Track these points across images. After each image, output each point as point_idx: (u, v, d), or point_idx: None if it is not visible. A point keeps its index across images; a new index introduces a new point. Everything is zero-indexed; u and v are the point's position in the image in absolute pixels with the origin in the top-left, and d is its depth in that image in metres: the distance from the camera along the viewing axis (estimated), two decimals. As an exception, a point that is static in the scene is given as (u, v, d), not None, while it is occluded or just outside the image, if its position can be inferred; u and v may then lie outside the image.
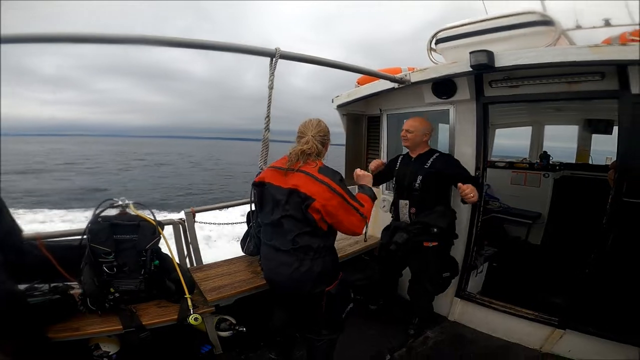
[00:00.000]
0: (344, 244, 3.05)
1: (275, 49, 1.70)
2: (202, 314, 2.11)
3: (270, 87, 1.74)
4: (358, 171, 1.92)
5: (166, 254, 2.31)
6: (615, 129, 3.85)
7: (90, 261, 2.02)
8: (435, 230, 2.24)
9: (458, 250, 2.58)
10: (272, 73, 1.72)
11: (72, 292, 2.03)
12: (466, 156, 2.41)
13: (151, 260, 2.16)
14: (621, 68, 1.72)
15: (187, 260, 2.70)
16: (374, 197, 1.80)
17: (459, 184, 2.04)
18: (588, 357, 2.12)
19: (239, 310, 2.47)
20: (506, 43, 1.99)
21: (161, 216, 2.54)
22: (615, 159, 2.83)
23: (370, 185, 1.86)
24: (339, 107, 3.05)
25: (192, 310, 2.07)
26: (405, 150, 2.56)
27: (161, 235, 2.24)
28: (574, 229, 3.40)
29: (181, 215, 2.74)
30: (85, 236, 2.05)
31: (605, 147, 3.99)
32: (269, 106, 1.76)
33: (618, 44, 1.66)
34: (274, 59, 1.71)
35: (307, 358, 1.95)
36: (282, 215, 1.65)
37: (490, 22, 2.06)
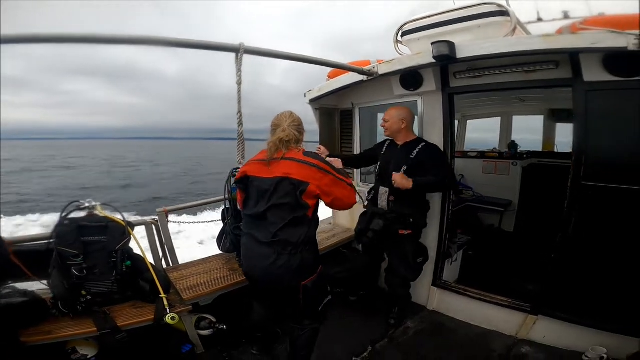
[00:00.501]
0: (322, 237, 3.09)
1: (239, 44, 1.70)
2: (179, 313, 2.09)
3: (238, 83, 1.73)
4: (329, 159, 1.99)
5: (138, 255, 2.28)
6: None
7: (58, 264, 1.97)
8: (411, 220, 2.32)
9: (431, 239, 2.66)
10: (239, 69, 1.72)
11: (44, 296, 1.99)
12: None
13: (122, 261, 2.13)
14: (574, 56, 1.82)
15: (163, 260, 2.67)
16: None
17: (394, 174, 2.22)
18: (562, 343, 2.21)
19: (218, 308, 2.48)
20: (467, 34, 2.08)
21: (133, 218, 2.51)
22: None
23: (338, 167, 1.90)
24: (312, 101, 3.07)
25: (168, 310, 2.06)
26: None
27: (131, 236, 2.22)
28: (542, 215, 3.58)
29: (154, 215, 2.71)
30: (51, 240, 2.01)
31: (569, 136, 4.20)
32: (239, 102, 1.76)
33: (569, 33, 1.75)
34: (238, 54, 1.70)
35: (289, 347, 1.99)
36: (267, 207, 1.67)
37: (452, 14, 2.14)
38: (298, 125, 1.79)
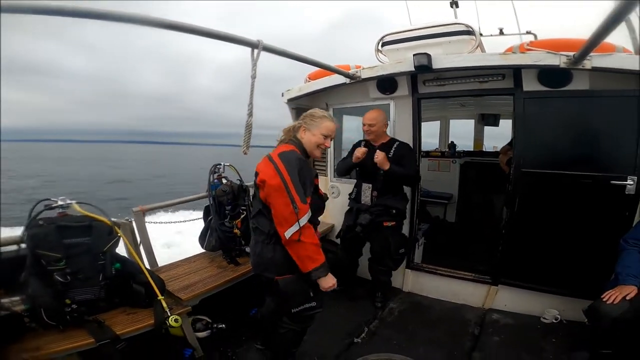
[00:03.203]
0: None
1: (258, 40, 1.80)
2: (180, 314, 2.04)
3: (253, 77, 1.82)
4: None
5: (125, 257, 2.18)
6: (502, 122, 5.16)
7: (37, 271, 1.78)
8: (394, 211, 2.69)
9: (404, 227, 3.05)
10: (255, 64, 1.81)
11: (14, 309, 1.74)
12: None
13: (111, 263, 2.00)
14: (517, 71, 2.44)
15: (147, 262, 2.54)
16: (325, 268, 1.77)
17: (377, 152, 2.53)
18: (522, 309, 2.68)
19: (209, 308, 2.44)
20: (438, 48, 2.56)
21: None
22: (502, 146, 3.81)
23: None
24: (289, 101, 3.28)
25: (169, 312, 2.00)
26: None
27: (120, 236, 2.10)
28: (477, 205, 4.42)
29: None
30: (23, 244, 1.81)
31: (493, 138, 5.30)
32: (251, 94, 1.84)
33: (519, 52, 2.36)
34: (256, 50, 1.81)
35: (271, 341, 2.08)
36: (252, 196, 1.87)
37: (427, 30, 2.60)
38: (300, 119, 1.92)
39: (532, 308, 2.67)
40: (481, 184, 4.43)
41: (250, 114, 1.91)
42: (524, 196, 2.58)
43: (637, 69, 2.03)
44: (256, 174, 1.78)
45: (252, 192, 2.32)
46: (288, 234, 1.63)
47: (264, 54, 1.85)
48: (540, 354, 2.25)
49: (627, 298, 1.86)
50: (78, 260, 1.91)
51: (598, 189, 2.27)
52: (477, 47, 2.51)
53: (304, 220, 1.63)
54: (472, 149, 5.39)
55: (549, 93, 2.37)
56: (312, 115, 1.89)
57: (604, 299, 1.91)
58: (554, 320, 2.57)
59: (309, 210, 1.68)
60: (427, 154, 5.12)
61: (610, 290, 1.93)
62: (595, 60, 2.08)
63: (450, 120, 5.75)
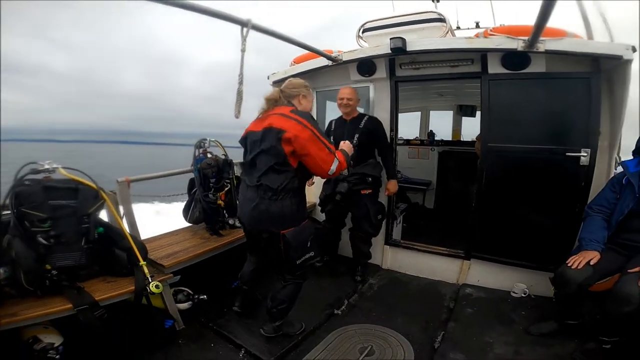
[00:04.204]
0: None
1: (248, 19, 1.92)
2: (161, 281, 2.10)
3: (243, 50, 1.95)
4: (342, 142, 2.25)
5: (108, 222, 2.21)
6: (479, 113, 5.45)
7: (20, 232, 1.81)
8: (370, 179, 2.88)
9: (383, 201, 3.24)
10: (245, 40, 1.93)
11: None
12: (384, 122, 3.11)
13: (94, 227, 2.05)
14: (484, 55, 2.66)
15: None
16: (348, 159, 2.12)
17: (387, 187, 3.00)
18: (493, 283, 2.87)
19: (190, 280, 2.51)
20: (413, 34, 2.78)
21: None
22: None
23: (350, 153, 2.17)
24: (275, 83, 3.44)
25: (150, 279, 2.03)
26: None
27: (104, 200, 2.15)
28: (454, 192, 4.67)
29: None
30: (7, 203, 1.79)
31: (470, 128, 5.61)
32: (241, 66, 1.95)
33: (483, 37, 2.59)
34: (245, 29, 1.92)
35: (269, 301, 2.15)
36: (256, 153, 1.95)
37: (403, 17, 2.83)
38: (292, 89, 2.08)
39: (502, 283, 2.88)
40: (458, 172, 4.69)
41: (240, 82, 2.02)
42: (490, 170, 2.79)
43: (585, 52, 2.28)
44: (276, 130, 1.85)
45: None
46: (332, 170, 1.94)
47: (255, 54, 1.99)
48: (511, 324, 2.41)
49: (591, 263, 1.94)
50: (63, 223, 1.95)
51: (556, 161, 2.49)
52: (448, 32, 2.74)
53: (342, 160, 2.00)
54: (450, 139, 5.68)
55: (511, 75, 2.60)
56: (303, 85, 2.13)
57: (569, 264, 1.98)
58: (523, 295, 2.76)
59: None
60: (408, 142, 5.37)
61: (575, 256, 2.01)
62: (548, 44, 2.31)
63: (431, 112, 6.03)
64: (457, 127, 5.74)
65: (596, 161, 2.40)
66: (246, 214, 2.03)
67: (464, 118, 5.67)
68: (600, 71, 2.41)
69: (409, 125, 6.01)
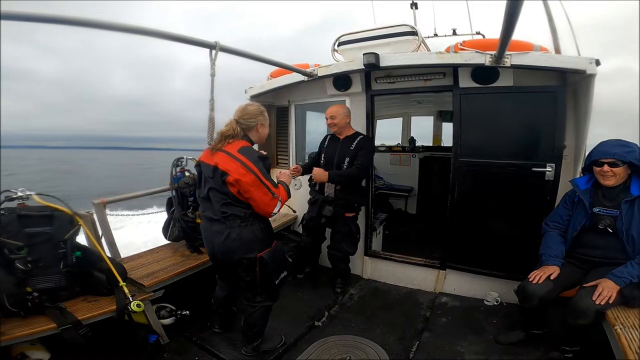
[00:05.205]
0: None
1: (215, 42, 1.99)
2: (143, 300, 2.16)
3: (212, 75, 2.02)
4: (278, 172, 2.29)
5: (85, 245, 2.28)
6: None
7: (1, 258, 1.88)
8: (356, 205, 2.98)
9: (361, 215, 3.29)
10: (214, 63, 2.01)
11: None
12: None
13: (72, 251, 2.11)
14: (455, 69, 2.77)
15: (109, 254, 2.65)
16: (288, 191, 2.16)
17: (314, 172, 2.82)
18: (468, 292, 2.99)
19: (173, 296, 2.58)
20: (387, 48, 2.85)
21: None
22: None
23: (288, 184, 2.21)
24: (252, 97, 3.50)
25: (130, 298, 2.10)
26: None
27: (80, 225, 2.21)
28: (435, 197, 4.78)
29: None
30: None
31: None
32: (212, 91, 2.03)
33: (454, 52, 2.68)
34: (214, 51, 1.99)
35: (242, 324, 2.24)
36: (209, 188, 1.99)
37: (377, 31, 2.89)
38: (248, 119, 2.05)
39: (476, 291, 2.99)
40: (439, 177, 4.82)
41: (212, 109, 2.10)
42: (462, 184, 2.89)
43: (549, 66, 2.38)
44: (220, 172, 1.90)
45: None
46: (274, 212, 1.98)
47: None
48: (481, 334, 2.50)
49: (551, 278, 2.04)
50: (39, 249, 2.01)
51: (523, 176, 2.60)
52: (420, 45, 2.82)
53: (283, 198, 2.04)
54: (431, 144, 5.81)
55: (480, 89, 2.72)
56: (260, 112, 2.12)
57: (530, 279, 2.08)
58: (495, 303, 2.87)
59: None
60: (390, 148, 5.48)
61: (536, 271, 2.11)
62: (514, 58, 2.40)
63: (412, 118, 6.16)
64: (437, 133, 5.88)
65: (561, 175, 2.51)
66: (218, 246, 2.04)
67: (444, 123, 5.81)
68: (566, 85, 2.52)
69: (392, 131, 6.14)
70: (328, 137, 3.12)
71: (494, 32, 2.58)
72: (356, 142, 2.92)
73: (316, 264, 3.56)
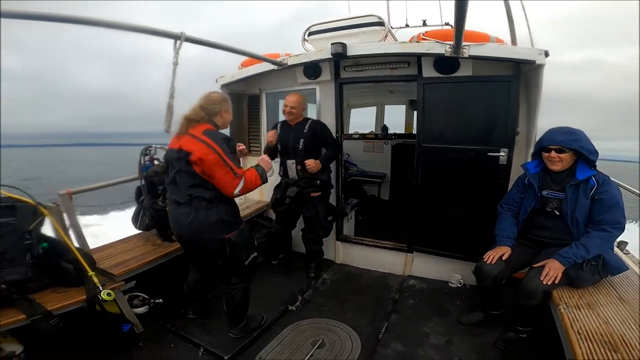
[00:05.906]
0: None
1: (181, 33, 1.99)
2: (113, 289, 2.17)
3: (175, 64, 2.01)
4: (259, 158, 2.34)
5: (52, 237, 2.27)
6: None
7: None
8: (318, 182, 3.05)
9: (331, 200, 3.41)
10: (177, 53, 1.99)
11: None
12: (329, 124, 3.26)
13: (37, 242, 2.11)
14: (419, 59, 2.88)
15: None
16: (263, 175, 2.18)
17: (306, 161, 2.91)
18: (433, 275, 3.15)
19: (145, 285, 2.63)
20: (355, 38, 2.94)
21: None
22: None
23: (267, 169, 2.25)
24: (223, 86, 3.51)
25: (100, 287, 2.12)
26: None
27: (45, 215, 2.20)
28: (407, 183, 4.96)
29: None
30: None
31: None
32: (173, 79, 2.01)
33: (416, 41, 2.79)
34: (178, 41, 1.99)
35: (225, 307, 2.31)
36: (175, 172, 2.04)
37: (345, 21, 2.96)
38: (212, 105, 2.11)
39: (441, 274, 3.16)
40: (410, 164, 4.97)
41: (171, 96, 2.10)
42: (425, 169, 3.05)
43: (503, 56, 2.53)
44: (185, 152, 1.96)
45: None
46: (235, 193, 2.02)
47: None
48: (445, 315, 2.64)
49: (503, 258, 2.15)
50: (3, 240, 2.00)
51: (480, 161, 2.77)
52: (387, 35, 2.92)
53: (248, 182, 2.07)
54: (403, 132, 5.98)
55: (442, 79, 2.85)
56: (224, 99, 2.18)
57: (485, 260, 2.19)
58: (459, 285, 3.04)
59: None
60: (363, 136, 5.61)
61: (490, 251, 2.22)
62: (472, 49, 2.53)
63: (386, 107, 6.31)
64: (409, 121, 6.05)
65: (513, 160, 2.69)
66: (185, 229, 2.08)
67: (415, 112, 5.97)
68: (519, 74, 2.67)
69: (366, 120, 6.27)
70: (279, 125, 3.19)
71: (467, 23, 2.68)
72: (308, 125, 3.05)
73: (290, 250, 3.67)
